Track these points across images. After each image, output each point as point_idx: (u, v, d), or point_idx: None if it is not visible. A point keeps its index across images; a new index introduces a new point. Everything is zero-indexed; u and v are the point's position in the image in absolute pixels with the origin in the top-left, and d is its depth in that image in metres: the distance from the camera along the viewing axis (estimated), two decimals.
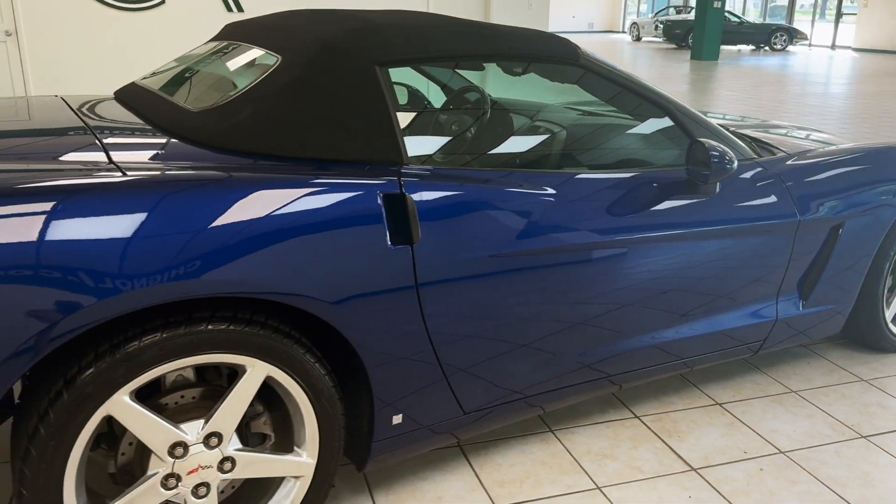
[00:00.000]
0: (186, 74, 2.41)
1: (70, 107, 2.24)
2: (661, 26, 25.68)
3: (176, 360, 1.58)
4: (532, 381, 2.15)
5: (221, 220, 1.58)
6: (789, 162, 2.61)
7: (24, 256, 1.39)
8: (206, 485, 1.71)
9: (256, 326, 1.66)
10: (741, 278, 2.47)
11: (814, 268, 2.65)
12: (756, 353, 2.71)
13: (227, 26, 2.78)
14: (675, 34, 24.12)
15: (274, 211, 1.64)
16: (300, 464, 1.81)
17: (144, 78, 2.58)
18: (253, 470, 1.77)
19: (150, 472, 1.65)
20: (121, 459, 1.68)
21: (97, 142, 1.81)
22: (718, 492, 2.20)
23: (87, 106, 2.29)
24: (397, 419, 1.93)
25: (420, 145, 2.07)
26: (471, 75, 2.67)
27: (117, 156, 1.71)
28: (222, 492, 1.80)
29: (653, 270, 2.26)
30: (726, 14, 21.84)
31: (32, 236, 1.41)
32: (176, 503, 1.71)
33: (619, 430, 2.52)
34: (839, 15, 28.09)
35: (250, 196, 1.63)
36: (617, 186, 2.19)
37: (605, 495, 2.18)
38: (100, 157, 1.70)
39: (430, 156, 2.04)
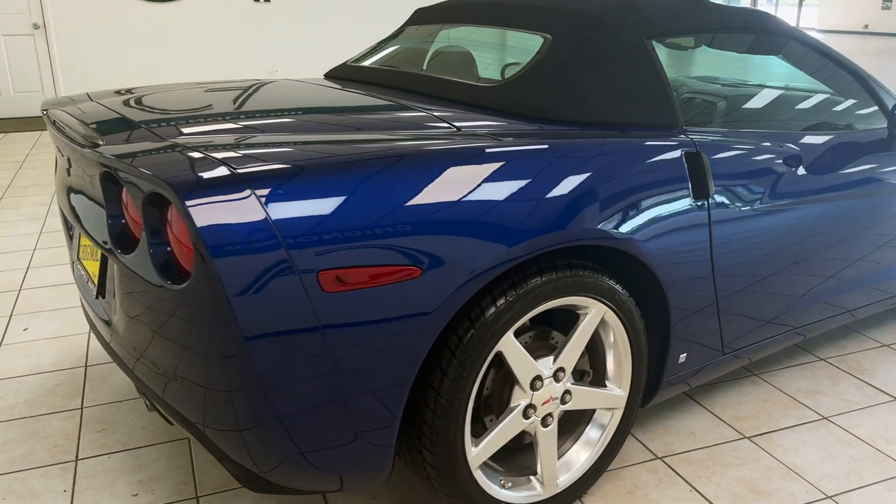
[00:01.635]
0: (428, 54, 2.59)
1: (331, 86, 2.40)
2: None
3: (548, 302, 1.77)
4: (756, 328, 2.37)
5: (582, 179, 1.78)
6: None
7: (461, 208, 1.58)
8: (551, 415, 1.91)
9: (600, 273, 1.86)
10: None
11: None
12: None
13: (418, 11, 2.95)
14: None
15: (614, 170, 1.84)
16: (616, 397, 2.02)
17: (370, 61, 2.74)
18: (583, 402, 1.97)
19: (513, 404, 1.84)
20: (484, 394, 1.86)
21: (430, 114, 1.99)
22: None
23: (341, 85, 2.45)
24: (683, 358, 2.14)
25: (684, 111, 2.28)
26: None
27: (462, 125, 1.89)
28: None
29: (854, 223, 2.50)
30: None
31: (459, 190, 1.59)
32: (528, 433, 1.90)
33: (814, 370, 2.77)
34: None
35: (596, 159, 1.83)
36: (840, 147, 2.43)
37: (834, 423, 2.43)
38: (446, 126, 1.88)
39: (697, 120, 2.25)
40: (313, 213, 1.45)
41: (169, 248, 1.54)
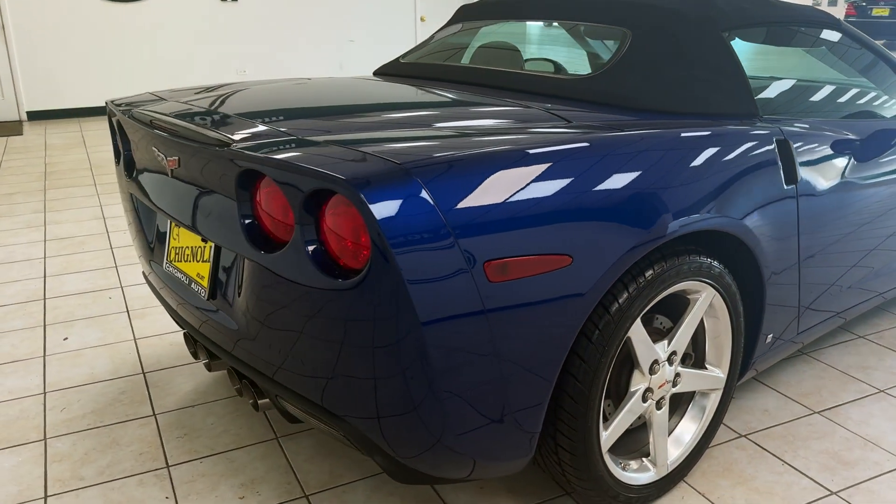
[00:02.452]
0: (496, 49, 2.62)
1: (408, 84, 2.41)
2: None
3: (670, 287, 1.83)
4: (818, 311, 2.46)
5: (701, 166, 1.84)
6: None
7: (606, 195, 1.62)
8: (663, 398, 1.97)
9: (711, 258, 1.93)
10: None
11: None
12: None
13: (463, 8, 2.98)
14: None
15: (726, 158, 1.91)
16: (717, 378, 2.09)
17: (430, 59, 2.75)
18: (691, 384, 2.03)
19: (633, 389, 1.90)
20: None
21: (536, 108, 2.02)
22: None
23: (411, 83, 2.46)
24: (769, 338, 2.23)
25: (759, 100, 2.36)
26: None
27: (571, 117, 1.94)
28: None
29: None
30: None
31: (605, 178, 1.64)
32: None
33: (856, 348, 2.91)
34: None
35: (710, 147, 1.90)
36: (882, 134, 2.57)
37: (892, 396, 2.56)
38: (557, 118, 1.92)
39: (770, 109, 2.34)
40: (477, 204, 1.47)
41: (323, 247, 1.53)
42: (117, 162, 2.48)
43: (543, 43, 3.11)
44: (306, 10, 9.77)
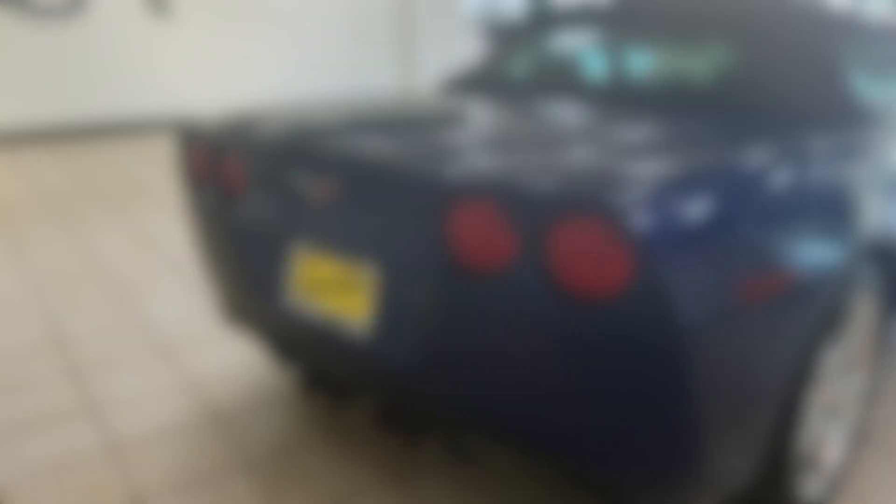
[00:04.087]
0: (603, 60, 2.58)
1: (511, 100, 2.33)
2: None
3: (854, 297, 1.83)
4: None
5: (881, 172, 1.87)
6: None
7: (825, 207, 1.60)
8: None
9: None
10: None
11: None
12: None
13: (528, 19, 2.92)
14: None
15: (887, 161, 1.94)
16: (863, 387, 2.11)
17: (512, 70, 2.67)
18: (844, 394, 2.04)
19: None
20: None
21: (691, 119, 1.99)
22: None
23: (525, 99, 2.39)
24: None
25: None
26: None
27: (732, 129, 1.92)
28: None
29: None
30: None
31: (823, 188, 1.62)
32: None
33: None
34: None
35: (878, 153, 1.92)
36: None
37: None
38: (718, 130, 1.90)
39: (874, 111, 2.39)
40: (717, 222, 1.42)
41: (552, 272, 1.43)
42: (195, 191, 2.27)
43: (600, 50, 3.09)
44: (244, 29, 9.44)
